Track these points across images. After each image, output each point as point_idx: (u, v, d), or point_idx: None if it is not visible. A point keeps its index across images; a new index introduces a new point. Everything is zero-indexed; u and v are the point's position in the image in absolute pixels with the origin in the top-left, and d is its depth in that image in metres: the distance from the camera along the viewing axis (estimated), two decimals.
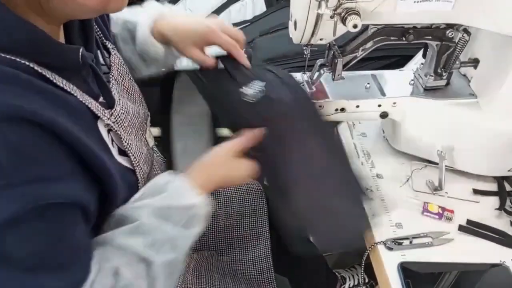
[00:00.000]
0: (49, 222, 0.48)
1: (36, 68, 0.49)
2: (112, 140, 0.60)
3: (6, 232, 0.45)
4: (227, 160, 0.68)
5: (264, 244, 0.99)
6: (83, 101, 0.54)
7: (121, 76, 0.68)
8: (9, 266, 0.46)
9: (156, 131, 0.80)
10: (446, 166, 0.78)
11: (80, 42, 0.61)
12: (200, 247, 0.96)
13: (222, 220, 0.98)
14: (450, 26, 0.70)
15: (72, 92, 0.53)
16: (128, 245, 0.57)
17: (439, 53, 0.74)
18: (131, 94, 0.70)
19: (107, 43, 0.69)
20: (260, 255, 0.97)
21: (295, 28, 0.68)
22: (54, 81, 0.51)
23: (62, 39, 0.58)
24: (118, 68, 0.68)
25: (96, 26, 0.67)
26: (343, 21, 0.63)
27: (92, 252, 0.55)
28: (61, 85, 0.51)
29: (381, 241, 0.71)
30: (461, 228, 0.73)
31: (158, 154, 0.93)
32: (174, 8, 0.84)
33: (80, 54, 0.54)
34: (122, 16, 0.83)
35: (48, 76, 0.50)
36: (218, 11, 1.54)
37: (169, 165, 0.83)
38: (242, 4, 1.53)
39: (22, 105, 0.44)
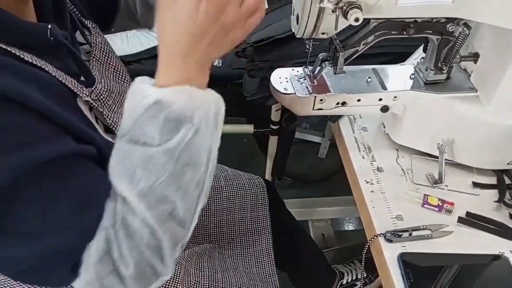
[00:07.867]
0: (51, 179, 0.47)
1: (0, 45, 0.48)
2: (97, 118, 0.59)
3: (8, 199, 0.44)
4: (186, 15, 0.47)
5: (266, 239, 1.00)
6: (58, 77, 0.53)
7: (104, 55, 0.67)
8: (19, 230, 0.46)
9: None
10: (446, 159, 0.79)
11: (54, 21, 0.59)
12: (202, 240, 0.97)
13: (225, 214, 0.99)
14: (450, 20, 0.71)
15: (44, 68, 0.51)
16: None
17: (440, 47, 0.74)
18: (116, 73, 0.69)
19: (86, 23, 0.69)
20: (262, 250, 0.99)
21: (297, 22, 0.69)
22: (22, 56, 0.49)
23: (33, 18, 0.57)
24: (101, 48, 0.67)
25: (73, 6, 0.66)
26: (345, 15, 0.63)
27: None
28: (30, 60, 0.50)
29: (381, 233, 0.72)
30: (460, 220, 0.74)
31: None
32: None
33: (49, 32, 0.53)
34: None
35: (14, 52, 0.49)
36: None
37: None
38: None
39: None
